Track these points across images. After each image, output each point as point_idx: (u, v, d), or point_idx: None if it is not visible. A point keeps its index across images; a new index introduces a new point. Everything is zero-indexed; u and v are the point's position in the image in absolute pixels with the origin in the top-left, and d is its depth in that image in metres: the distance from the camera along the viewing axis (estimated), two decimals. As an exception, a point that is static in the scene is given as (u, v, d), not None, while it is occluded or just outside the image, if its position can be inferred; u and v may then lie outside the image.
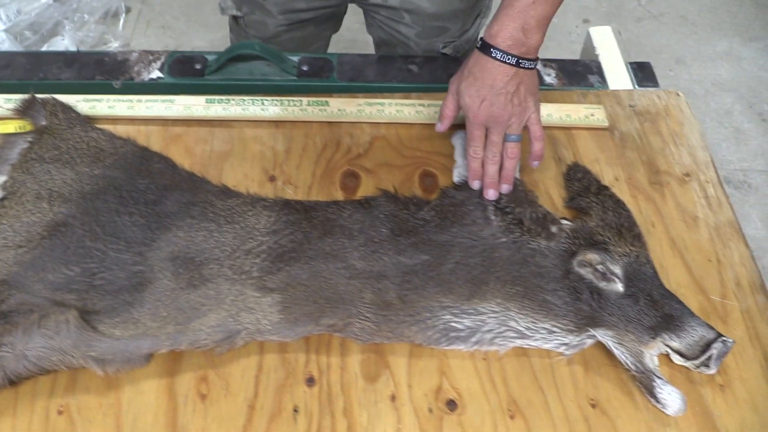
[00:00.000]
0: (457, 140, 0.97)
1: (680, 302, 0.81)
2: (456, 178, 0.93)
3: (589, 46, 1.15)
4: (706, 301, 0.85)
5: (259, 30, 1.23)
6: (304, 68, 1.06)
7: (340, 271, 0.81)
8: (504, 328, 0.79)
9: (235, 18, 1.25)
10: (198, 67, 1.06)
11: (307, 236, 0.84)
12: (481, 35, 0.88)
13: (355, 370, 0.77)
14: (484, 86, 0.85)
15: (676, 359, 0.79)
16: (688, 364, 0.79)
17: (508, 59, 0.84)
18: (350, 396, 0.76)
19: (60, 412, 0.73)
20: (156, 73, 1.05)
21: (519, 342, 0.80)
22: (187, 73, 1.06)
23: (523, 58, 0.85)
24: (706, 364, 0.78)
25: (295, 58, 1.08)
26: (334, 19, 1.29)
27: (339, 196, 0.92)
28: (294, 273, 0.81)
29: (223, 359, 0.78)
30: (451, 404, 0.76)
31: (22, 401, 0.74)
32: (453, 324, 0.79)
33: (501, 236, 0.85)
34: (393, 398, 0.76)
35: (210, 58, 1.07)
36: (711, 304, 0.85)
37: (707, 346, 0.77)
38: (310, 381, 0.77)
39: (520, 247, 0.85)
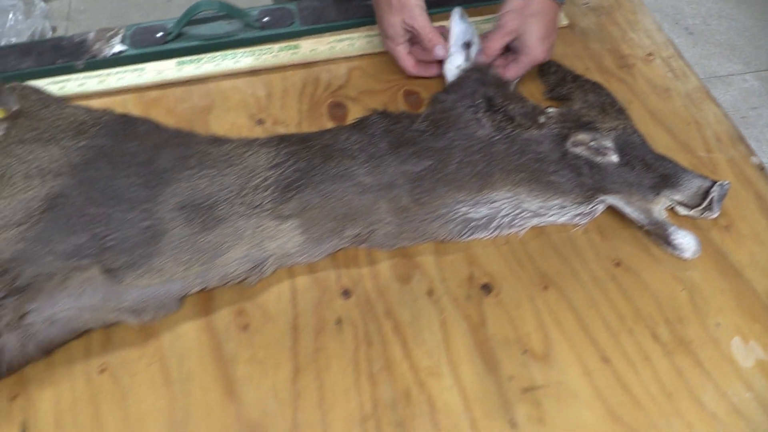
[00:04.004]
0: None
1: (672, 161, 0.86)
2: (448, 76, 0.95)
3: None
4: (694, 158, 0.90)
5: None
6: (266, 20, 1.07)
7: (350, 188, 0.82)
8: (519, 209, 0.82)
9: None
10: (159, 35, 1.05)
11: (310, 163, 0.85)
12: None
13: (387, 276, 0.79)
14: (547, 26, 0.92)
15: (681, 210, 0.84)
16: (692, 213, 0.83)
17: None
18: (388, 299, 0.77)
19: (102, 371, 0.72)
20: (118, 47, 1.04)
21: (535, 221, 0.83)
22: (149, 42, 1.05)
23: None
24: (709, 209, 0.82)
25: (254, 12, 1.08)
26: None
27: (330, 125, 0.93)
28: (306, 198, 0.81)
29: (255, 291, 0.78)
30: (486, 288, 0.78)
31: (60, 368, 0.72)
32: (471, 215, 0.81)
33: (495, 134, 0.88)
34: (430, 293, 0.77)
35: (169, 25, 1.06)
36: (699, 160, 0.90)
37: (706, 192, 0.82)
38: (346, 293, 0.77)
39: (514, 140, 0.87)
